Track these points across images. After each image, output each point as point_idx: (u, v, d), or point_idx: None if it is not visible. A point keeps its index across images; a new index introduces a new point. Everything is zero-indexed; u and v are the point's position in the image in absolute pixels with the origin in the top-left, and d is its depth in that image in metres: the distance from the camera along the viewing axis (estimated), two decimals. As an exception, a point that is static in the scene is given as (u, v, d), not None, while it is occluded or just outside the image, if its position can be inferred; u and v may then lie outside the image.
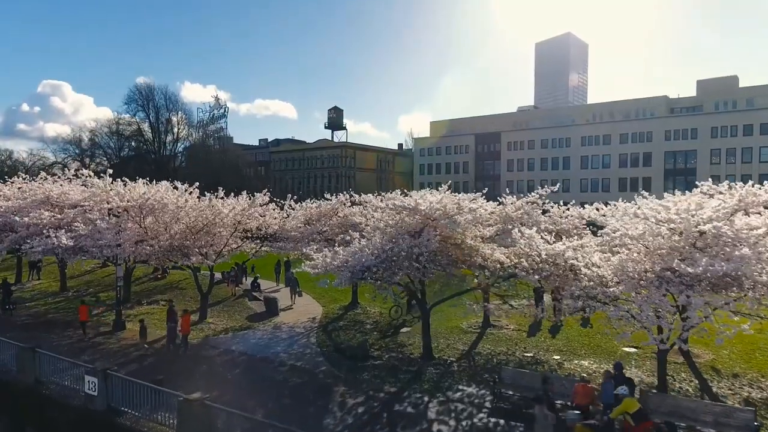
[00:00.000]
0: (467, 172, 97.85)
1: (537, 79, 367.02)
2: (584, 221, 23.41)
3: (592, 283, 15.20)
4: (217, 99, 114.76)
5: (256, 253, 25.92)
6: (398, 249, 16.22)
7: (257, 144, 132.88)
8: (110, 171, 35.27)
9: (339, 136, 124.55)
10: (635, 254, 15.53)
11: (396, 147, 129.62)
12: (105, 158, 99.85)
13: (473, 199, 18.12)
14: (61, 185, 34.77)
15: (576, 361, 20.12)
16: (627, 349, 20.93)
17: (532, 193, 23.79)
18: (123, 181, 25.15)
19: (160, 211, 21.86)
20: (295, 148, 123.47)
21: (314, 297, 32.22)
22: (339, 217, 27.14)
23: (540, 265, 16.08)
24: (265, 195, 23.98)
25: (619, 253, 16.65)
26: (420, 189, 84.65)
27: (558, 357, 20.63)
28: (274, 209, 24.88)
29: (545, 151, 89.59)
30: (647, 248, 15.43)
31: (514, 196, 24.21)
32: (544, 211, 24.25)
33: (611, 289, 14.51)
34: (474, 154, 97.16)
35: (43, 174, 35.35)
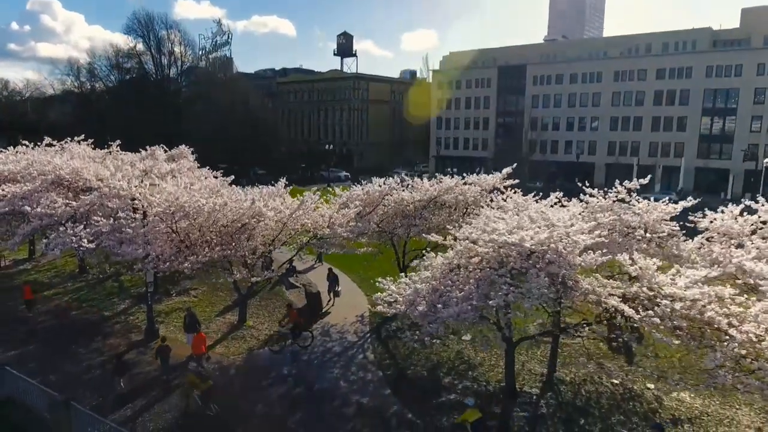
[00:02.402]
0: (488, 108, 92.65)
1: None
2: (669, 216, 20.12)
3: (744, 350, 12.40)
4: (219, 24, 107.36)
5: (301, 256, 22.85)
6: (501, 300, 13.37)
7: (260, 69, 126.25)
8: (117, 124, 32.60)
9: (348, 64, 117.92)
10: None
11: (401, 69, 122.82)
12: (105, 90, 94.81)
13: (581, 231, 14.82)
14: (71, 151, 31.77)
15: (674, 394, 17.80)
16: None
17: (617, 186, 20.37)
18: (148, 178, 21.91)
19: (194, 214, 18.78)
20: (304, 78, 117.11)
21: (352, 279, 29.77)
22: (390, 203, 24.03)
23: (674, 321, 13.20)
24: (314, 194, 20.77)
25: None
26: (438, 125, 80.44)
27: (652, 386, 18.31)
28: (319, 206, 21.53)
29: (574, 86, 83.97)
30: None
31: (595, 189, 20.86)
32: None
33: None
34: (496, 89, 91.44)
35: (47, 139, 32.21)
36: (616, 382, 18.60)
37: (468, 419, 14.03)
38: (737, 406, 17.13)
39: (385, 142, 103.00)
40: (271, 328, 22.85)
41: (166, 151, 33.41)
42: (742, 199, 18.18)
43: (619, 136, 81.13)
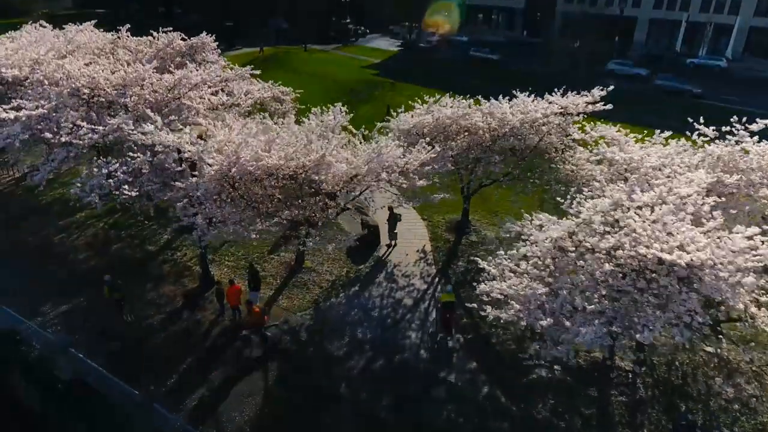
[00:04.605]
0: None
1: None
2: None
3: None
4: None
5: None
6: (649, 334, 11.54)
7: None
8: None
9: None
10: None
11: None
12: None
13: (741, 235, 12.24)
14: (75, 41, 27.63)
15: (775, 368, 16.91)
16: None
17: (735, 125, 17.38)
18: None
19: (252, 167, 16.06)
20: None
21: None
22: (461, 131, 21.07)
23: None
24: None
25: None
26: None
27: (748, 358, 17.30)
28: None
29: (615, -20, 72.81)
30: None
31: (702, 125, 17.71)
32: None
33: None
34: (526, -20, 79.01)
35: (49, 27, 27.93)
36: (710, 350, 17.56)
37: (443, 299, 17.53)
38: None
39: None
40: (332, 269, 21.37)
41: (183, 40, 28.79)
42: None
43: (654, 47, 72.03)
